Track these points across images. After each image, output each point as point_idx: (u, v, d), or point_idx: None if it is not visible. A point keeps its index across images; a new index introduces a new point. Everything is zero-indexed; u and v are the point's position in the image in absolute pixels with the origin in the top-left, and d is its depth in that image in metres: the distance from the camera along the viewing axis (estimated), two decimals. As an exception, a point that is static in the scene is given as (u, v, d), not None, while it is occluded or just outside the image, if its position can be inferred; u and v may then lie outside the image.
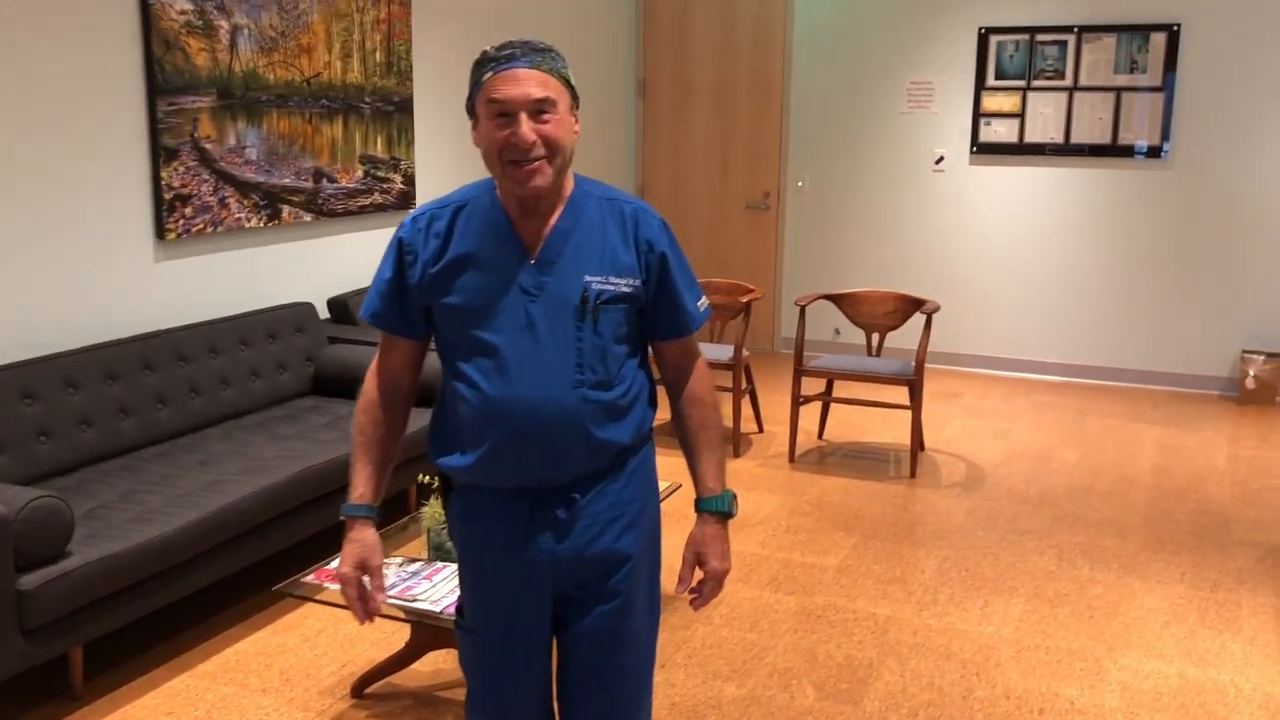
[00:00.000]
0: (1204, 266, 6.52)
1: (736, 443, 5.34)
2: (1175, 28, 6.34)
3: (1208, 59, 6.33)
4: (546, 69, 1.87)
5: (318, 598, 2.99)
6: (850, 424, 5.89)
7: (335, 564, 3.10)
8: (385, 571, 3.02)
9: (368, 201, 5.22)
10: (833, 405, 5.78)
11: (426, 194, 5.62)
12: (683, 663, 3.38)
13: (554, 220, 1.94)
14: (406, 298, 1.99)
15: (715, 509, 2.04)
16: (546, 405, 1.90)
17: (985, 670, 3.33)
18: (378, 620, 2.88)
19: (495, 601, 2.02)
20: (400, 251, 1.98)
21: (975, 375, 7.02)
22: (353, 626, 3.55)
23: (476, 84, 1.88)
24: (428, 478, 3.29)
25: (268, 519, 3.56)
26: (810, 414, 5.84)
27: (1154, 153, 6.50)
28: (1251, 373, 6.30)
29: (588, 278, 1.93)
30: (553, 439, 1.90)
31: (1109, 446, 5.55)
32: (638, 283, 1.96)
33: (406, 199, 5.45)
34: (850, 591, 3.87)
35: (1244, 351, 6.41)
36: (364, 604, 2.01)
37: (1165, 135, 6.46)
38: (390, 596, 2.90)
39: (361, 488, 2.03)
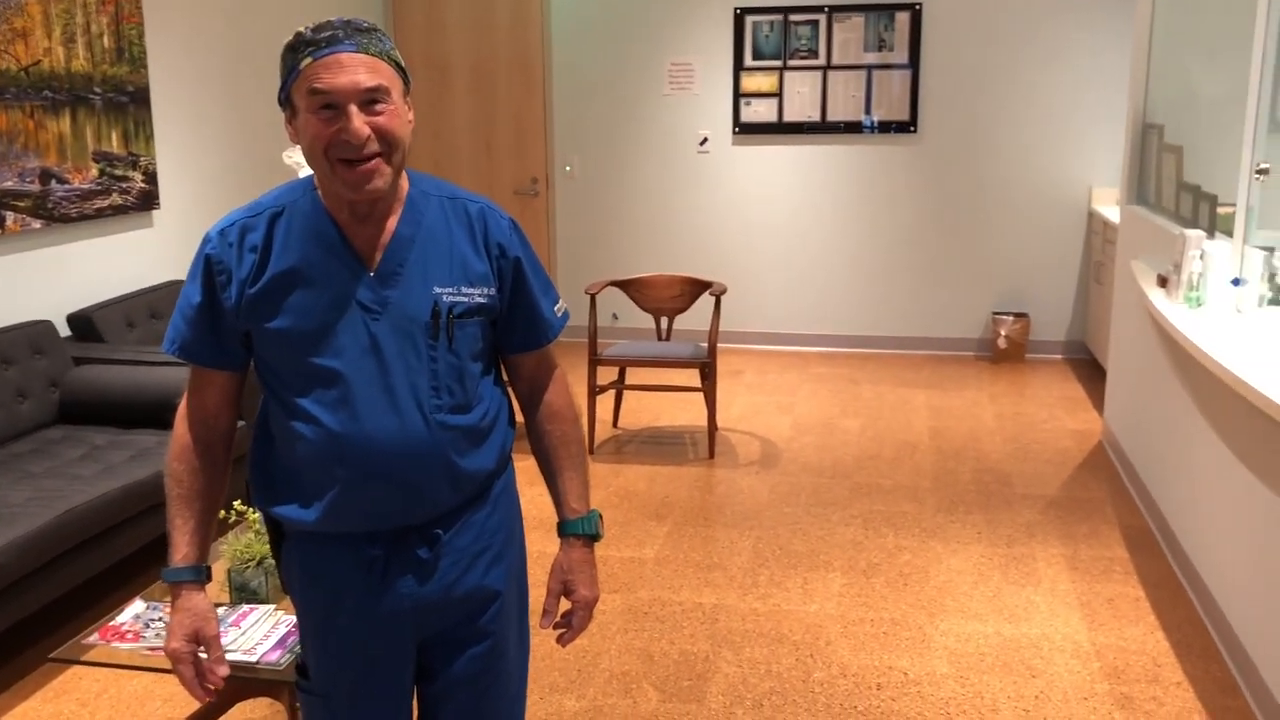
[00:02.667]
0: (955, 235, 6.88)
1: (531, 438, 5.18)
2: (917, 7, 6.63)
3: (949, 37, 6.65)
4: (375, 52, 1.64)
5: (95, 659, 2.61)
6: (643, 409, 5.84)
7: (121, 619, 2.73)
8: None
9: (106, 203, 4.68)
10: (626, 391, 5.71)
11: (172, 193, 5.11)
12: (515, 680, 3.20)
13: (392, 225, 1.72)
14: (221, 324, 1.71)
15: (581, 531, 1.88)
16: (402, 438, 1.68)
17: (818, 650, 3.34)
18: (171, 674, 2.57)
19: (349, 659, 1.78)
20: (209, 271, 1.69)
21: (752, 352, 7.14)
22: (140, 682, 3.16)
23: (292, 71, 1.63)
24: (223, 512, 2.95)
25: (25, 574, 3.11)
26: (603, 403, 5.75)
27: (903, 128, 6.79)
28: (1003, 333, 6.71)
29: (437, 289, 1.72)
30: (413, 476, 1.69)
31: (885, 413, 5.76)
32: (492, 292, 1.76)
33: (149, 199, 4.93)
34: (672, 583, 3.80)
35: (994, 313, 6.83)
36: (201, 680, 1.73)
37: (913, 111, 6.75)
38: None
39: (185, 547, 1.74)
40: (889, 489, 4.67)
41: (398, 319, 1.69)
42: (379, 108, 1.63)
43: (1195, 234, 3.70)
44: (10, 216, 4.17)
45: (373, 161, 1.62)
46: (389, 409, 1.68)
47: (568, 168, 7.22)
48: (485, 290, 1.75)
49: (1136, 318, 4.66)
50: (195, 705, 2.94)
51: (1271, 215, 3.67)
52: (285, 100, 1.66)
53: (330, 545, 1.75)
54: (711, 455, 5.08)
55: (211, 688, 1.75)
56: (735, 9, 6.84)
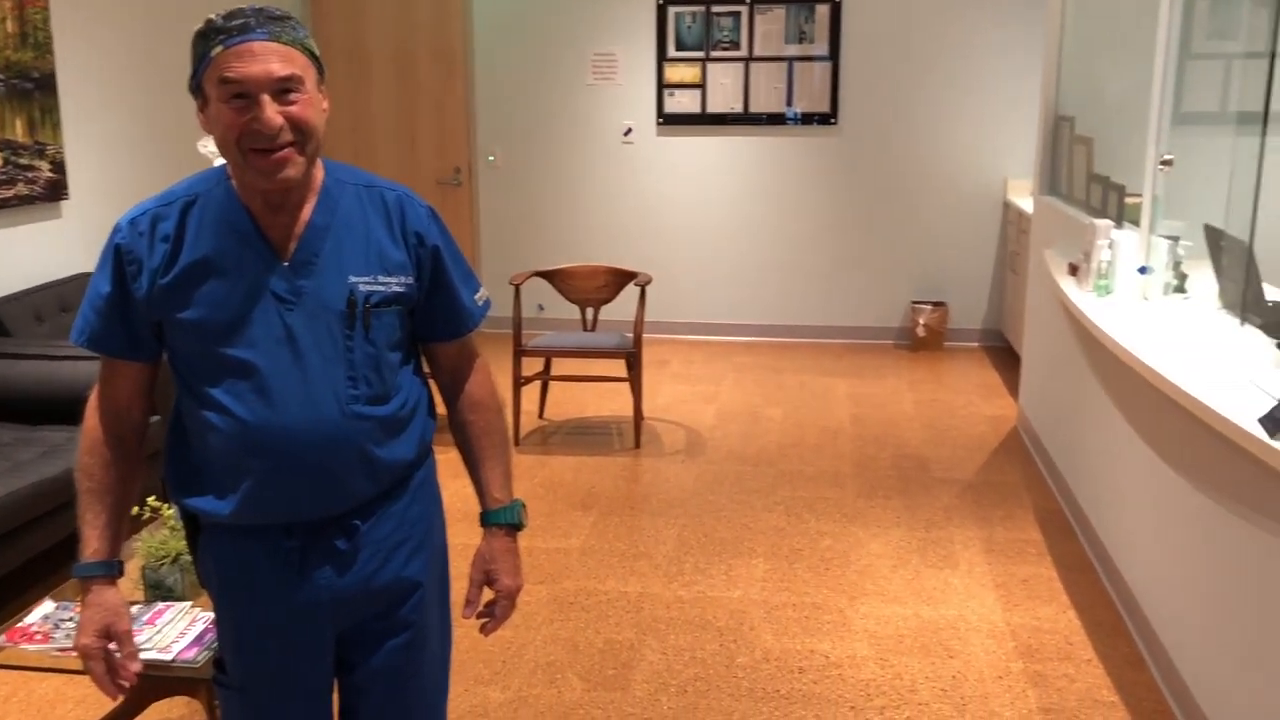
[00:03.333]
0: (874, 225, 6.99)
1: (456, 430, 5.14)
2: (837, 1, 6.71)
3: (868, 30, 6.74)
4: (288, 40, 1.62)
5: (16, 663, 2.54)
6: (569, 400, 5.84)
7: (30, 620, 2.67)
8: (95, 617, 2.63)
9: (10, 194, 4.54)
10: (552, 383, 5.70)
11: (82, 183, 4.97)
12: (440, 672, 3.19)
13: (306, 214, 1.70)
14: (131, 315, 1.68)
15: (504, 521, 1.88)
16: (317, 428, 1.66)
17: (742, 635, 3.38)
18: (83, 675, 2.51)
19: (268, 652, 1.77)
20: (119, 261, 1.66)
21: (677, 341, 7.18)
22: (51, 685, 3.09)
23: (203, 59, 1.60)
24: (136, 509, 2.89)
25: (-70, 575, 3.02)
26: (529, 394, 5.74)
27: (824, 119, 6.87)
28: (921, 321, 6.83)
29: (353, 278, 1.70)
30: (329, 466, 1.67)
31: (807, 401, 5.84)
32: (410, 280, 1.75)
33: (57, 189, 4.79)
34: (598, 572, 3.82)
35: (913, 302, 6.95)
36: (113, 677, 1.70)
37: (834, 103, 6.83)
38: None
39: (95, 542, 1.71)
40: (811, 475, 4.74)
41: (313, 309, 1.68)
42: (292, 97, 1.61)
43: (1104, 223, 3.81)
44: (-91, 207, 4.03)
45: (285, 150, 1.60)
46: (304, 399, 1.66)
47: (491, 158, 7.18)
48: (402, 279, 1.74)
49: (1049, 306, 4.78)
50: (109, 706, 2.88)
51: (1177, 205, 3.79)
52: (196, 89, 1.63)
53: (246, 538, 1.73)
54: (637, 445, 5.10)
55: (124, 684, 1.72)
56: (658, 0, 6.85)
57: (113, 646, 1.72)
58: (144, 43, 5.34)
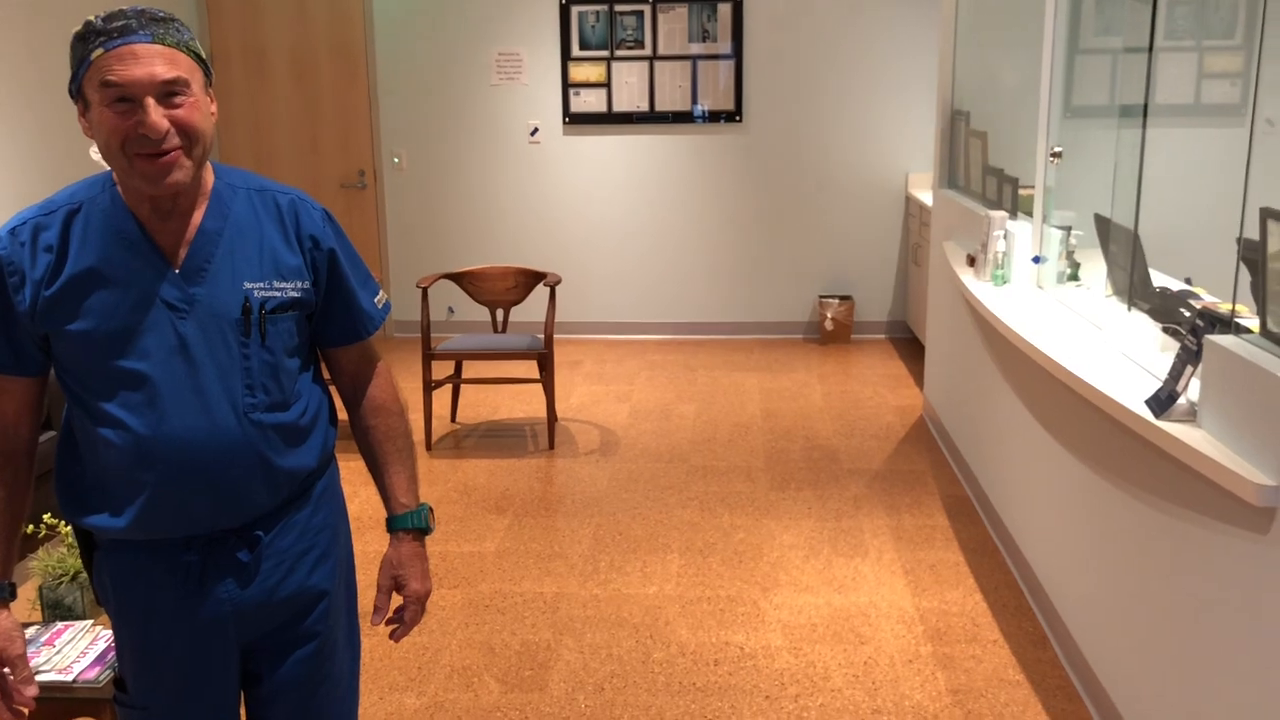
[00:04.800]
0: (781, 222, 7.07)
1: (366, 436, 5.08)
2: (738, -1, 6.78)
3: (768, 29, 6.82)
4: (172, 42, 1.58)
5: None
6: (481, 403, 5.81)
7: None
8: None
9: (-109, 204, 4.36)
10: (461, 386, 5.66)
11: (-33, 191, 4.79)
12: (354, 681, 3.15)
13: (197, 220, 1.67)
14: (15, 328, 1.63)
15: (411, 525, 1.87)
16: (214, 438, 1.63)
17: (657, 631, 3.40)
18: None
19: (169, 670, 1.73)
20: (1, 274, 1.61)
21: (590, 341, 7.18)
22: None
23: (83, 62, 1.56)
24: (32, 527, 2.80)
25: None
26: (440, 398, 5.69)
27: (729, 117, 6.93)
28: (829, 315, 6.94)
29: (248, 285, 1.67)
30: (227, 477, 1.65)
31: (719, 397, 5.89)
32: (306, 285, 1.73)
33: (-59, 198, 4.62)
34: (513, 574, 3.81)
35: (820, 297, 7.05)
36: (8, 702, 1.65)
37: (738, 101, 6.90)
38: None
39: None
40: (723, 470, 4.78)
41: (206, 317, 1.65)
42: (178, 100, 1.58)
43: (999, 215, 3.91)
44: None
45: (172, 154, 1.57)
46: (199, 409, 1.63)
47: (395, 160, 7.10)
48: (299, 284, 1.72)
49: (949, 296, 4.90)
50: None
51: (1070, 196, 3.91)
52: (76, 93, 1.59)
53: (144, 553, 1.69)
54: (551, 446, 5.09)
55: (20, 710, 1.67)
56: (561, -1, 6.85)
57: (6, 671, 1.67)
58: (29, 47, 5.17)
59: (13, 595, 1.69)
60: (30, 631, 2.59)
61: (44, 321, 1.61)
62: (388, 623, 1.88)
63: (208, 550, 1.69)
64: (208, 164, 1.70)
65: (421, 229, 7.19)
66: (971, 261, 4.18)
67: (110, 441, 1.63)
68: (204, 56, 1.65)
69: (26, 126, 5.14)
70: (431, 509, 1.90)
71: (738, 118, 6.92)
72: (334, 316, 1.80)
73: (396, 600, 1.88)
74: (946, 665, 3.18)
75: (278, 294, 1.69)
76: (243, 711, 1.84)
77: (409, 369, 6.23)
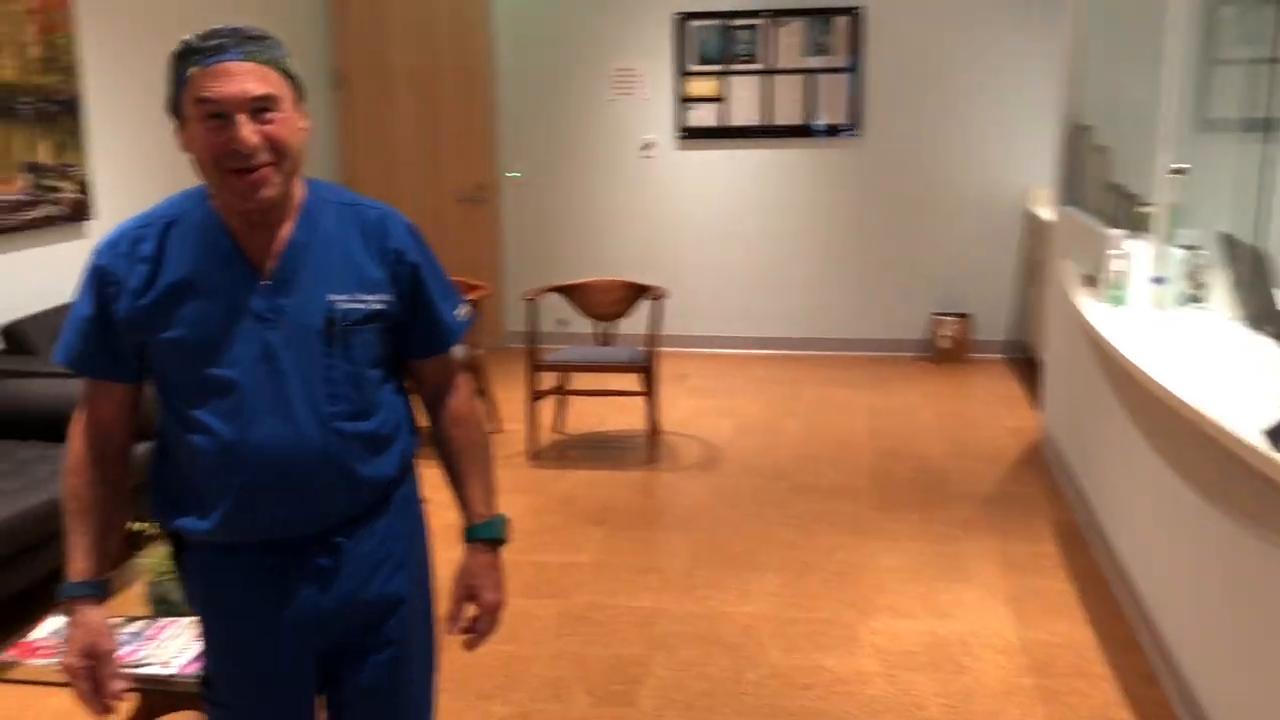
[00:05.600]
0: (896, 237, 6.95)
1: (473, 445, 5.16)
2: (856, 11, 6.69)
3: (891, 41, 6.72)
4: (264, 60, 1.64)
5: (12, 676, 2.58)
6: (587, 415, 5.85)
7: (37, 634, 2.70)
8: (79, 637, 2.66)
9: (37, 215, 4.62)
10: (568, 398, 5.71)
11: (106, 203, 5.05)
12: (445, 687, 3.19)
13: (286, 233, 1.72)
14: (112, 336, 1.70)
15: (487, 536, 1.89)
16: (297, 446, 1.68)
17: (750, 651, 3.36)
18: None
19: (251, 669, 1.78)
20: (100, 282, 1.68)
21: (697, 355, 7.17)
22: (60, 700, 3.12)
23: (179, 80, 1.62)
24: (140, 524, 2.92)
25: (-54, 591, 3.06)
26: (546, 409, 5.74)
27: (845, 131, 6.84)
28: (943, 333, 6.78)
29: (331, 296, 1.71)
30: (308, 483, 1.69)
31: (825, 414, 5.81)
32: (389, 298, 1.76)
33: (82, 209, 4.88)
34: (609, 587, 3.81)
35: (935, 314, 6.90)
36: (100, 696, 1.71)
37: (855, 115, 6.81)
38: (111, 666, 2.54)
39: (80, 562, 1.73)
40: (827, 489, 4.71)
41: (292, 327, 1.69)
42: (269, 116, 1.62)
43: (1116, 233, 3.76)
44: (-66, 228, 4.11)
45: (263, 170, 1.62)
46: (284, 417, 1.67)
47: (514, 174, 7.22)
48: (381, 297, 1.75)
49: (1067, 317, 4.73)
50: (125, 718, 2.91)
51: (1200, 214, 3.74)
52: (174, 109, 1.66)
53: (229, 556, 1.75)
54: (653, 459, 5.09)
55: (109, 704, 1.73)
56: (675, 14, 6.87)
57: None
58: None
59: (107, 592, 1.75)
60: (136, 626, 2.70)
61: (139, 330, 1.68)
62: (461, 631, 1.90)
63: (289, 554, 1.74)
64: (299, 178, 1.75)
65: (536, 242, 7.29)
66: (1089, 281, 4.02)
67: (199, 446, 1.68)
68: (296, 74, 1.70)
69: (170, 141, 5.38)
70: (508, 520, 1.92)
71: (853, 131, 6.83)
72: (416, 329, 1.82)
73: (472, 609, 1.90)
74: (1048, 699, 3.06)
75: (361, 306, 1.73)
76: (323, 714, 1.88)
77: (516, 379, 6.30)
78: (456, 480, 1.90)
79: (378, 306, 1.74)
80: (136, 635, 2.67)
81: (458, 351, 1.90)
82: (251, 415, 1.67)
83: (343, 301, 1.72)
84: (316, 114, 6.92)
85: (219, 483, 1.69)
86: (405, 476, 1.86)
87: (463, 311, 1.89)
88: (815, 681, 3.18)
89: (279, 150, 1.63)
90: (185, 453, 1.71)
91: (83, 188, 4.89)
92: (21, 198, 4.54)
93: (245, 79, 1.60)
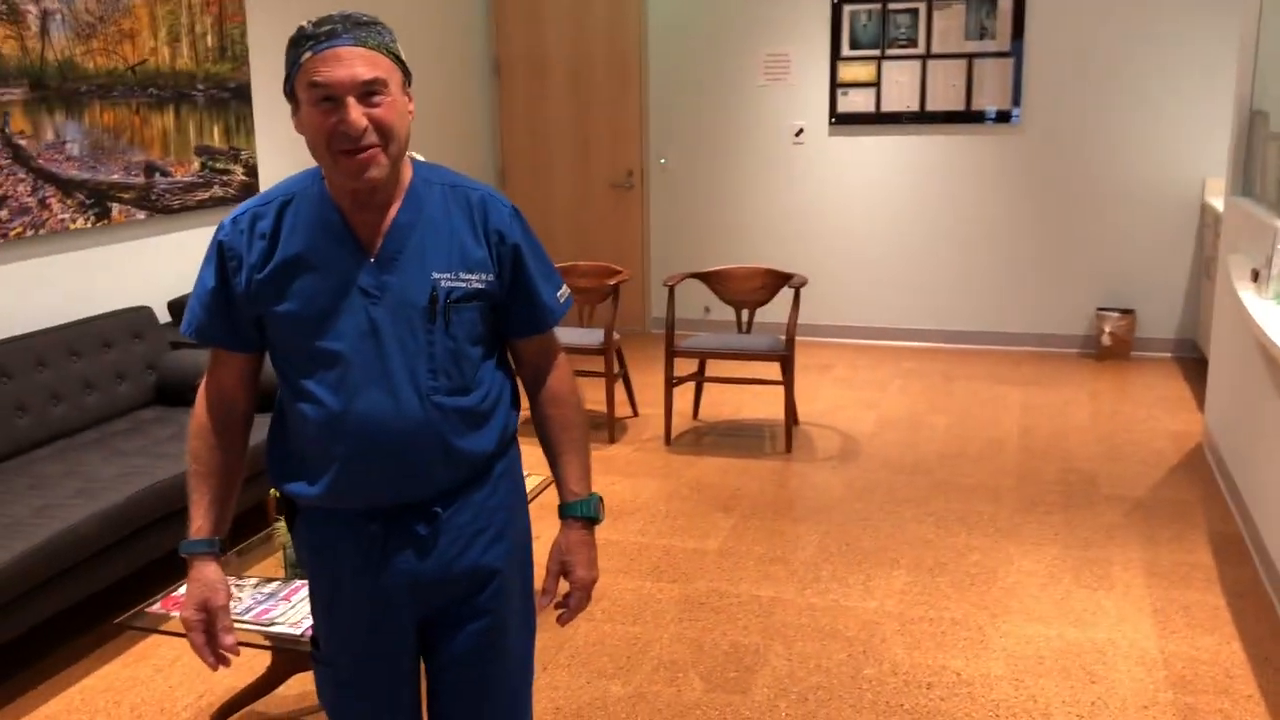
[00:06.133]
0: (1058, 228, 6.66)
1: (611, 428, 5.23)
2: (1021, -6, 6.44)
3: (1055, 24, 6.44)
4: (374, 45, 1.69)
5: (164, 628, 2.75)
6: (725, 402, 5.83)
7: (184, 590, 2.88)
8: (239, 594, 2.82)
9: (207, 195, 4.91)
10: (706, 384, 5.71)
11: (271, 184, 5.31)
12: (565, 663, 3.25)
13: (393, 213, 1.77)
14: (233, 308, 1.79)
15: (581, 514, 1.91)
16: (397, 418, 1.73)
17: (872, 647, 3.30)
18: (244, 643, 2.68)
19: (353, 631, 1.85)
20: (221, 257, 1.78)
21: (844, 345, 7.05)
22: (210, 653, 3.32)
23: (294, 65, 1.69)
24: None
25: (109, 544, 3.29)
26: (684, 394, 5.76)
27: (1005, 118, 6.60)
28: (1107, 329, 6.48)
29: (435, 275, 1.76)
30: (408, 454, 1.74)
31: (975, 410, 5.63)
32: (490, 278, 1.80)
33: (249, 190, 5.15)
34: (733, 575, 3.80)
35: (1099, 309, 6.59)
36: (212, 648, 1.82)
37: (1016, 100, 6.56)
38: (246, 621, 2.69)
39: (199, 520, 1.83)
40: (968, 487, 4.57)
41: (396, 303, 1.75)
42: (376, 100, 1.68)
43: (1287, 226, 3.52)
44: (116, 207, 4.41)
45: (369, 151, 1.67)
46: (386, 390, 1.73)
47: (662, 160, 7.25)
48: (483, 276, 1.79)
49: (1232, 314, 4.45)
50: (260, 671, 3.08)
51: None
52: (290, 93, 1.73)
53: (334, 521, 1.82)
54: (789, 449, 5.04)
55: (223, 656, 1.84)
56: (833, -1, 6.76)
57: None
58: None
59: (223, 550, 1.85)
60: (271, 586, 2.85)
61: (256, 303, 1.76)
62: (555, 606, 1.93)
63: (389, 522, 1.80)
64: (406, 160, 1.80)
65: (682, 228, 7.30)
66: (1255, 276, 3.77)
67: (307, 415, 1.76)
68: (403, 59, 1.75)
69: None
70: (601, 499, 1.93)
71: (1014, 117, 6.58)
72: (517, 308, 1.86)
73: (564, 586, 1.92)
74: (1187, 717, 2.90)
75: (463, 285, 1.77)
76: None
77: (660, 364, 6.34)
78: (553, 458, 1.93)
79: (479, 285, 1.78)
80: (271, 595, 2.81)
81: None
82: (355, 387, 1.73)
83: (446, 279, 1.76)
84: (477, 101, 7.12)
85: (325, 450, 1.76)
86: (505, 451, 1.90)
87: (563, 294, 1.91)
88: (937, 681, 3.10)
89: (386, 133, 1.69)
90: (296, 420, 1.79)
91: (250, 170, 5.16)
92: (195, 180, 4.83)
93: (355, 63, 1.66)
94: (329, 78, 1.65)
